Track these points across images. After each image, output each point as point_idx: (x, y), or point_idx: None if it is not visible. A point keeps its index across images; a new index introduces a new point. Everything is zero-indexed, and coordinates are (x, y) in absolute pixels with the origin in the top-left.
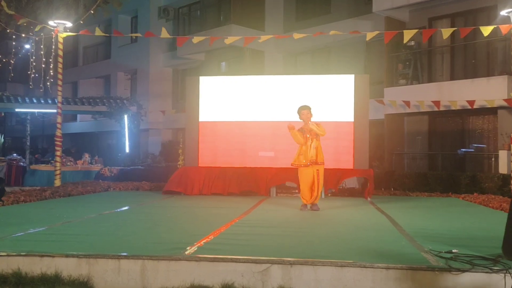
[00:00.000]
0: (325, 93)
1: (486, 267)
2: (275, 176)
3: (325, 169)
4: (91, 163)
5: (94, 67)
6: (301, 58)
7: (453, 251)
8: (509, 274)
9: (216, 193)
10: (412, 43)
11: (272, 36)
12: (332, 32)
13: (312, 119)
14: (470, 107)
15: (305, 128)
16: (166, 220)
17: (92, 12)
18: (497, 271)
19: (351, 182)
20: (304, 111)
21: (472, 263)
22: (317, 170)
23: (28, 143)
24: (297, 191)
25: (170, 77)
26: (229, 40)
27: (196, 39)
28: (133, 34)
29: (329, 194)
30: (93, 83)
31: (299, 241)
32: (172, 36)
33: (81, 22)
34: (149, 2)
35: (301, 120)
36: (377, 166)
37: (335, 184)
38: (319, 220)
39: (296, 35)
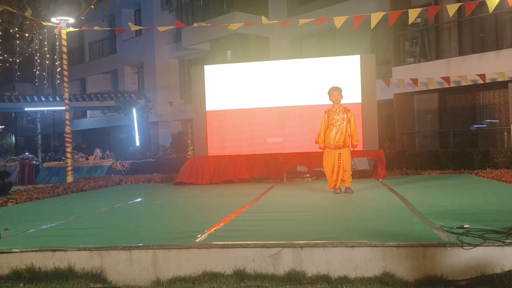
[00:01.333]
0: (331, 75)
1: (498, 241)
2: (285, 162)
3: None
4: (102, 158)
5: (101, 63)
6: (307, 42)
7: (464, 226)
8: None
9: (227, 180)
10: (418, 20)
11: (276, 22)
12: (336, 19)
13: (323, 102)
14: (481, 82)
15: (333, 110)
16: (177, 210)
17: (93, 7)
18: (509, 244)
19: (362, 164)
20: (335, 92)
21: (484, 237)
22: (339, 153)
23: (39, 142)
24: (308, 175)
25: (176, 69)
26: (232, 26)
27: (197, 24)
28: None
29: None
30: (101, 79)
31: (309, 225)
32: (173, 27)
33: (82, 17)
34: None
35: (331, 102)
36: (388, 147)
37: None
38: (330, 203)
39: (302, 21)
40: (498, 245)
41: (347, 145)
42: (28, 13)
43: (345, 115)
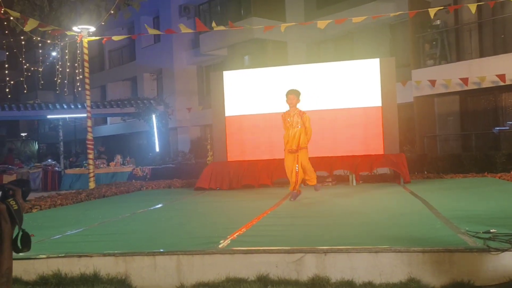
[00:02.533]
0: (350, 79)
1: None
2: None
3: (356, 156)
4: (123, 164)
5: (121, 70)
6: (324, 47)
7: (491, 231)
8: None
9: (246, 185)
10: (438, 22)
11: (294, 23)
12: (355, 20)
13: (343, 105)
14: (502, 83)
15: (288, 113)
16: (198, 215)
17: (112, 12)
18: None
19: (382, 168)
20: (290, 95)
21: None
22: (296, 156)
23: (61, 148)
24: (329, 179)
25: (194, 75)
26: (250, 28)
27: (215, 27)
28: (153, 32)
29: (361, 182)
30: (121, 86)
31: (332, 230)
32: (192, 31)
33: (103, 23)
34: (170, 1)
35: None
36: (409, 150)
37: (366, 170)
38: (352, 208)
39: (320, 23)
40: None
41: (302, 147)
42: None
43: (300, 119)
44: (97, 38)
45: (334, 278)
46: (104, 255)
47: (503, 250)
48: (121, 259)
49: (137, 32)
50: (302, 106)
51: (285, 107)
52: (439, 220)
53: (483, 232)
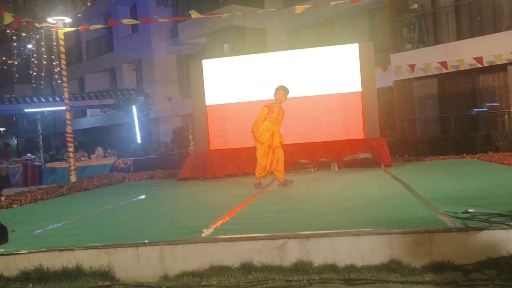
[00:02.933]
0: (330, 65)
1: (504, 224)
2: (287, 154)
3: (337, 141)
4: (104, 156)
5: (99, 61)
6: (304, 33)
7: (469, 210)
8: None
9: (230, 174)
10: (415, 6)
11: (272, 9)
12: (332, 3)
13: (323, 92)
14: (479, 65)
15: (275, 107)
16: (181, 205)
17: (89, 4)
18: None
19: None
20: (283, 91)
21: (489, 221)
22: (273, 150)
23: (41, 143)
24: (311, 166)
25: (174, 64)
26: (227, 15)
27: (194, 15)
28: (129, 21)
29: (343, 167)
30: (99, 77)
31: (314, 215)
32: (168, 19)
33: (79, 15)
34: None
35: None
36: (389, 134)
37: (347, 155)
38: (334, 192)
39: (298, 8)
40: (504, 228)
41: (281, 143)
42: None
43: (282, 116)
44: (73, 29)
45: (317, 262)
46: (86, 248)
47: (481, 229)
48: (104, 251)
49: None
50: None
51: (265, 94)
52: (420, 202)
53: (462, 212)
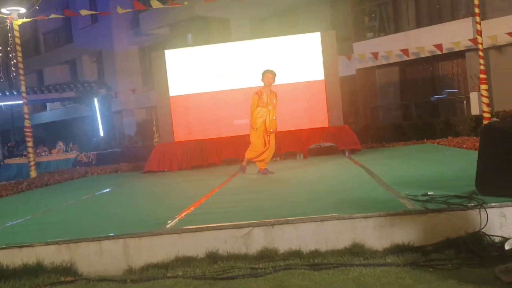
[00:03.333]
0: (293, 54)
1: (461, 205)
2: None
3: (302, 130)
4: (66, 151)
5: (58, 53)
6: (268, 22)
7: (428, 193)
8: (483, 209)
9: (196, 165)
10: None
11: None
12: None
13: (287, 81)
14: (439, 52)
15: (265, 92)
16: (146, 198)
17: None
18: (472, 207)
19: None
20: (270, 74)
21: (448, 202)
22: (268, 137)
23: None
24: (277, 156)
25: (136, 55)
26: (189, 4)
27: (155, 5)
28: (86, 12)
29: (308, 156)
30: (59, 70)
31: (279, 202)
32: (129, 10)
33: (37, 8)
34: None
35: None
36: (353, 122)
37: (312, 143)
38: (299, 180)
39: None
40: (461, 209)
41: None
42: None
43: (275, 99)
44: (28, 20)
45: (282, 249)
46: (47, 244)
47: (440, 211)
48: (65, 246)
49: (65, 10)
50: (247, 82)
51: (229, 84)
52: (381, 186)
53: (421, 195)
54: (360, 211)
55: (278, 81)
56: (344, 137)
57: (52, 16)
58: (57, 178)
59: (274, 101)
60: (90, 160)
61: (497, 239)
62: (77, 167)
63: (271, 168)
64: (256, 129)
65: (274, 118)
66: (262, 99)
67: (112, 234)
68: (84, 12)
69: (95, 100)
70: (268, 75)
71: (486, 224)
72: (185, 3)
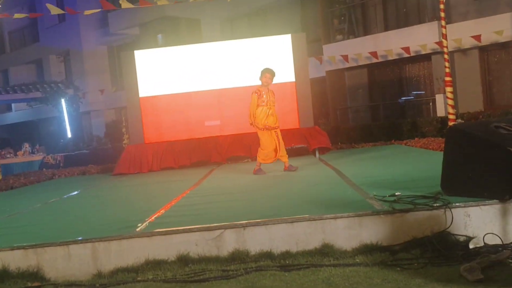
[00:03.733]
0: (264, 55)
1: (427, 205)
2: (225, 145)
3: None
4: (32, 152)
5: (23, 52)
6: (238, 23)
7: (396, 194)
8: (448, 209)
9: (166, 167)
10: None
11: None
12: None
13: (258, 82)
14: (406, 55)
15: (264, 91)
16: (116, 200)
17: None
18: (437, 208)
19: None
20: (269, 74)
21: (414, 203)
22: (275, 132)
23: None
24: (248, 157)
25: (105, 55)
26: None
27: (124, 5)
28: (56, 10)
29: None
30: (25, 69)
31: (250, 204)
32: (98, 10)
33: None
34: None
35: (261, 82)
36: (323, 123)
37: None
38: (269, 182)
39: None
40: (427, 209)
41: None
42: None
43: (273, 98)
44: None
45: (253, 250)
46: (13, 248)
47: (407, 211)
48: (32, 251)
49: (39, 11)
50: (217, 83)
51: (199, 85)
52: (350, 187)
53: (389, 196)
54: (330, 211)
55: (249, 82)
56: (316, 136)
57: (17, 15)
58: (23, 181)
59: (273, 99)
60: (57, 162)
61: (461, 239)
62: (44, 169)
63: (244, 169)
64: (263, 128)
65: (274, 114)
66: (262, 98)
67: (80, 238)
68: (53, 11)
69: (62, 100)
70: (267, 75)
71: (451, 224)
72: (157, 2)
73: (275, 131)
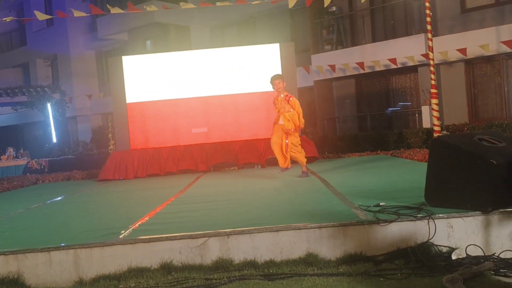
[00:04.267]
0: (252, 64)
1: (411, 216)
2: (211, 153)
3: (260, 140)
4: (16, 157)
5: (10, 56)
6: (228, 31)
7: (380, 204)
8: (432, 220)
9: (152, 174)
10: (334, 8)
11: (193, 6)
12: (254, 2)
13: (245, 90)
14: (393, 66)
15: (278, 98)
16: (100, 207)
17: None
18: (421, 218)
19: None
20: (276, 80)
21: (398, 213)
22: (286, 135)
23: None
24: (236, 167)
25: (93, 60)
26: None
27: (113, 11)
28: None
29: (266, 166)
30: (11, 73)
31: (235, 213)
32: (87, 14)
33: None
34: None
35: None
36: (311, 132)
37: (270, 154)
38: (255, 190)
39: (219, 3)
40: (411, 220)
41: (296, 130)
42: None
43: (287, 105)
44: None
45: (237, 259)
46: None
47: (391, 221)
48: (12, 257)
49: (27, 14)
50: (205, 91)
51: (187, 92)
52: (336, 196)
53: (373, 206)
54: (315, 221)
55: (237, 90)
56: (303, 145)
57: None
58: (6, 185)
59: (285, 105)
60: (42, 167)
61: (444, 249)
62: (28, 174)
63: (230, 177)
64: (273, 133)
65: (293, 117)
66: (276, 105)
67: (62, 244)
68: (41, 17)
69: (49, 105)
70: (275, 81)
71: (434, 235)
72: (146, 8)
73: (285, 133)
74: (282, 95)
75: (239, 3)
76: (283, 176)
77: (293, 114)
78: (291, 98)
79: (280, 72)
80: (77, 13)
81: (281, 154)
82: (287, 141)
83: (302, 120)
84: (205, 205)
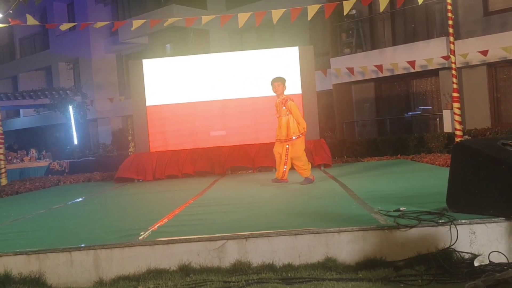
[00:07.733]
0: (271, 67)
1: (432, 221)
2: (229, 156)
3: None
4: (39, 158)
5: (33, 59)
6: (246, 35)
7: (400, 209)
8: (454, 226)
9: (170, 175)
10: (354, 11)
11: (213, 16)
12: (274, 12)
13: (264, 94)
14: (413, 70)
15: (277, 102)
16: (119, 208)
17: (22, 0)
18: (442, 224)
19: None
20: (275, 83)
21: (419, 218)
22: (286, 146)
23: None
24: (252, 170)
25: (114, 64)
26: (169, 22)
27: (135, 24)
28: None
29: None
30: (34, 76)
31: (253, 215)
32: (108, 22)
33: (10, 11)
34: None
35: (274, 94)
36: (329, 136)
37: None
38: (273, 193)
39: (240, 16)
40: (432, 226)
41: (290, 138)
42: None
43: (284, 107)
44: (5, 25)
45: (255, 262)
46: (15, 254)
47: (411, 227)
48: (34, 257)
49: (50, 19)
50: (224, 94)
51: (206, 95)
52: (355, 201)
53: (393, 211)
54: (334, 225)
55: (255, 93)
56: (319, 152)
57: (30, 22)
58: (28, 186)
59: (283, 108)
60: (63, 168)
61: (466, 256)
62: (50, 175)
63: (247, 180)
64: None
65: (285, 125)
66: (276, 108)
67: (83, 245)
68: (64, 26)
69: (70, 107)
70: (273, 84)
71: (456, 241)
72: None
73: (286, 145)
74: (279, 99)
75: (259, 20)
76: (301, 181)
77: (287, 119)
78: (288, 101)
79: (299, 77)
80: (98, 24)
81: (280, 164)
82: (287, 146)
83: (303, 124)
84: (223, 208)
